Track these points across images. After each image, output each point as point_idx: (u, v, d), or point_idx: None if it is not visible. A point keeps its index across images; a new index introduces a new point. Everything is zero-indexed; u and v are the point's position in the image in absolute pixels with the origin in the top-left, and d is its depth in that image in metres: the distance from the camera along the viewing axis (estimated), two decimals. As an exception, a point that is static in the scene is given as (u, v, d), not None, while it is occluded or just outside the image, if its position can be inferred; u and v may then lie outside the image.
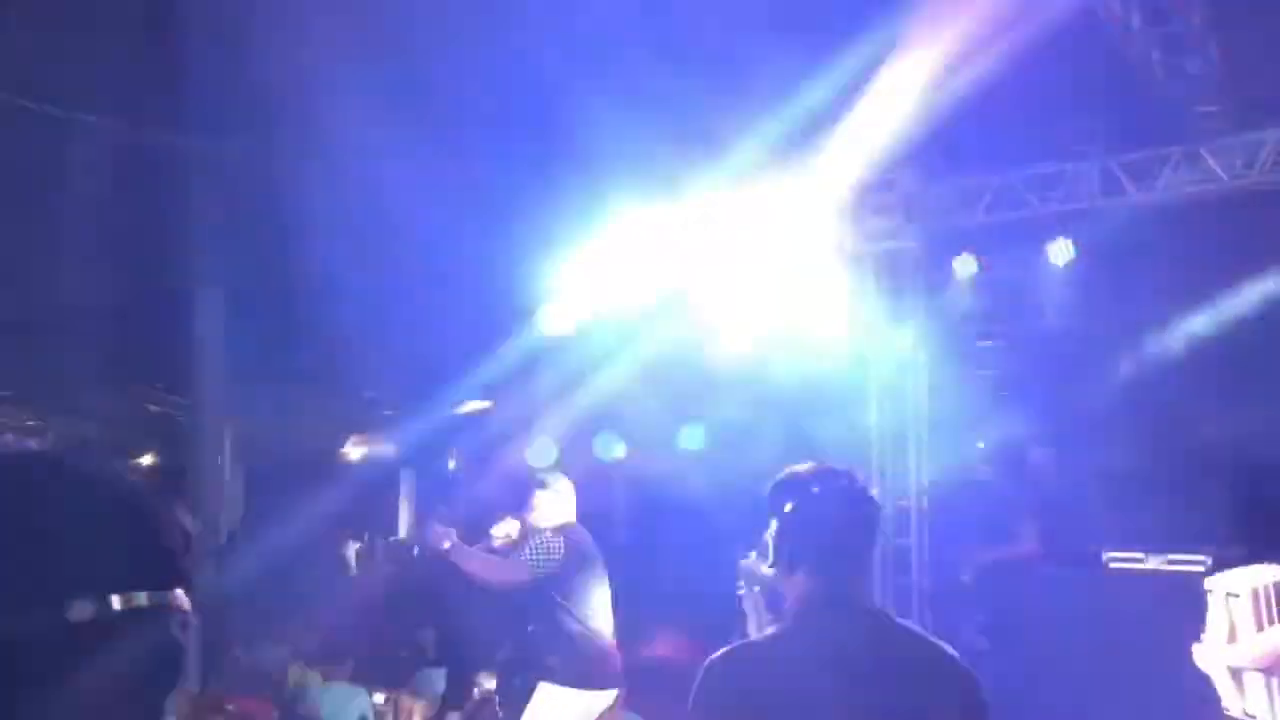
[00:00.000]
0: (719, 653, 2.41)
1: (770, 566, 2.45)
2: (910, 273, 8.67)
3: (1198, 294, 8.37)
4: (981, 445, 9.49)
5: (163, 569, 0.98)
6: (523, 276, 9.58)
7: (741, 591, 3.54)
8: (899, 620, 2.55)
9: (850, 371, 9.17)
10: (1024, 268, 8.81)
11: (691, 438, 12.98)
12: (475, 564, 5.57)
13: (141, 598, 0.94)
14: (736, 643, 2.49)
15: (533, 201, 8.66)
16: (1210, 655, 5.15)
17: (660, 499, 11.65)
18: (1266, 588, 4.97)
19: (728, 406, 10.08)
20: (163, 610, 0.97)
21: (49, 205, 8.90)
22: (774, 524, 2.44)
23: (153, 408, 17.89)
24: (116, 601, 0.92)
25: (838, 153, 7.93)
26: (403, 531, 20.98)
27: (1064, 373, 9.20)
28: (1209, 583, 5.46)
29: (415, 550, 17.18)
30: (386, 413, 16.57)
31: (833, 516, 2.50)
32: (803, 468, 2.55)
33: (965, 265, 8.86)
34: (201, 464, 12.20)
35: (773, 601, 3.15)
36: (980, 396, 9.23)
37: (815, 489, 2.48)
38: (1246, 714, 4.90)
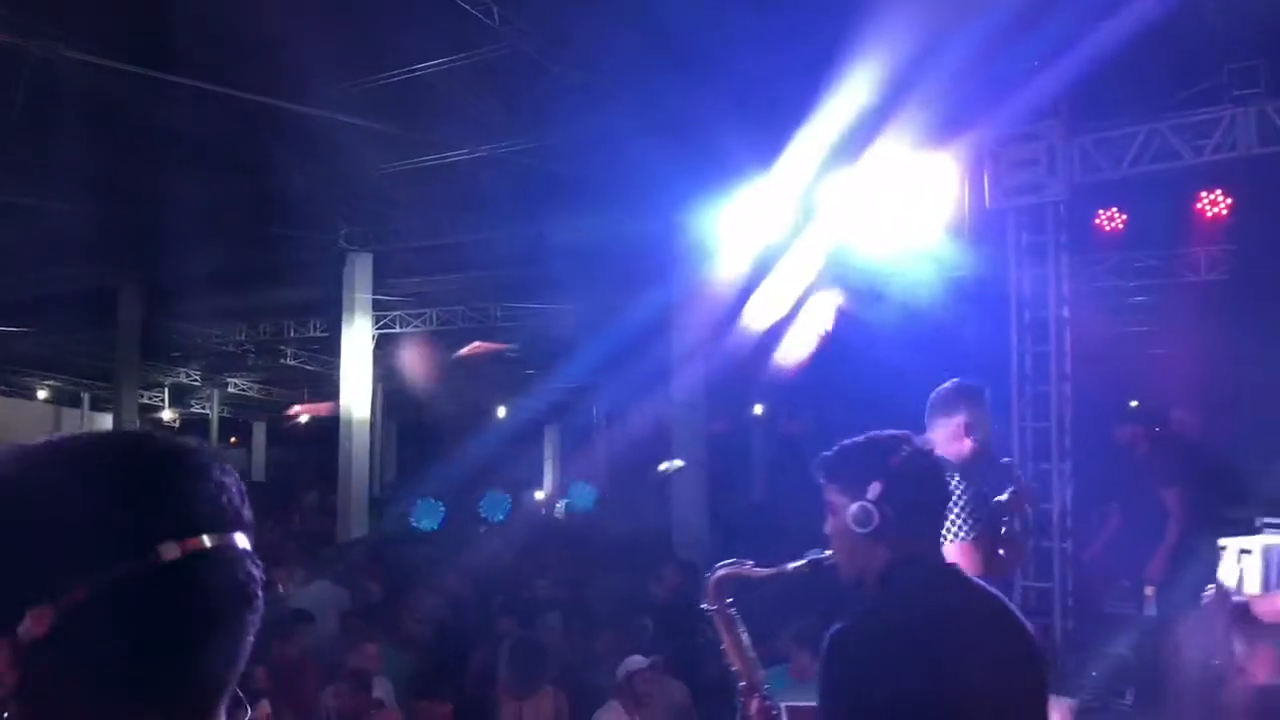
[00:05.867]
0: (843, 625, 2.31)
1: (867, 529, 2.36)
2: (1054, 228, 8.35)
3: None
4: (1135, 405, 9.13)
5: (218, 516, 1.05)
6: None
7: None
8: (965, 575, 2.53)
9: (991, 331, 8.92)
10: (1174, 221, 8.40)
11: (581, 496, 13.18)
12: None
13: (205, 540, 1.02)
14: (857, 613, 2.35)
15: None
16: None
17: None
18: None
19: (865, 377, 9.94)
20: (226, 552, 1.04)
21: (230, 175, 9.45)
22: (876, 486, 2.36)
23: (309, 367, 18.65)
24: (177, 550, 1.00)
25: (977, 105, 7.71)
26: (546, 487, 21.46)
27: (1218, 330, 8.77)
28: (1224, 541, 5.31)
29: (560, 506, 17.57)
30: (529, 371, 16.89)
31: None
32: (881, 433, 2.49)
33: (1111, 219, 8.51)
34: (353, 419, 12.67)
35: None
36: (1129, 354, 8.88)
37: (911, 449, 2.44)
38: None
